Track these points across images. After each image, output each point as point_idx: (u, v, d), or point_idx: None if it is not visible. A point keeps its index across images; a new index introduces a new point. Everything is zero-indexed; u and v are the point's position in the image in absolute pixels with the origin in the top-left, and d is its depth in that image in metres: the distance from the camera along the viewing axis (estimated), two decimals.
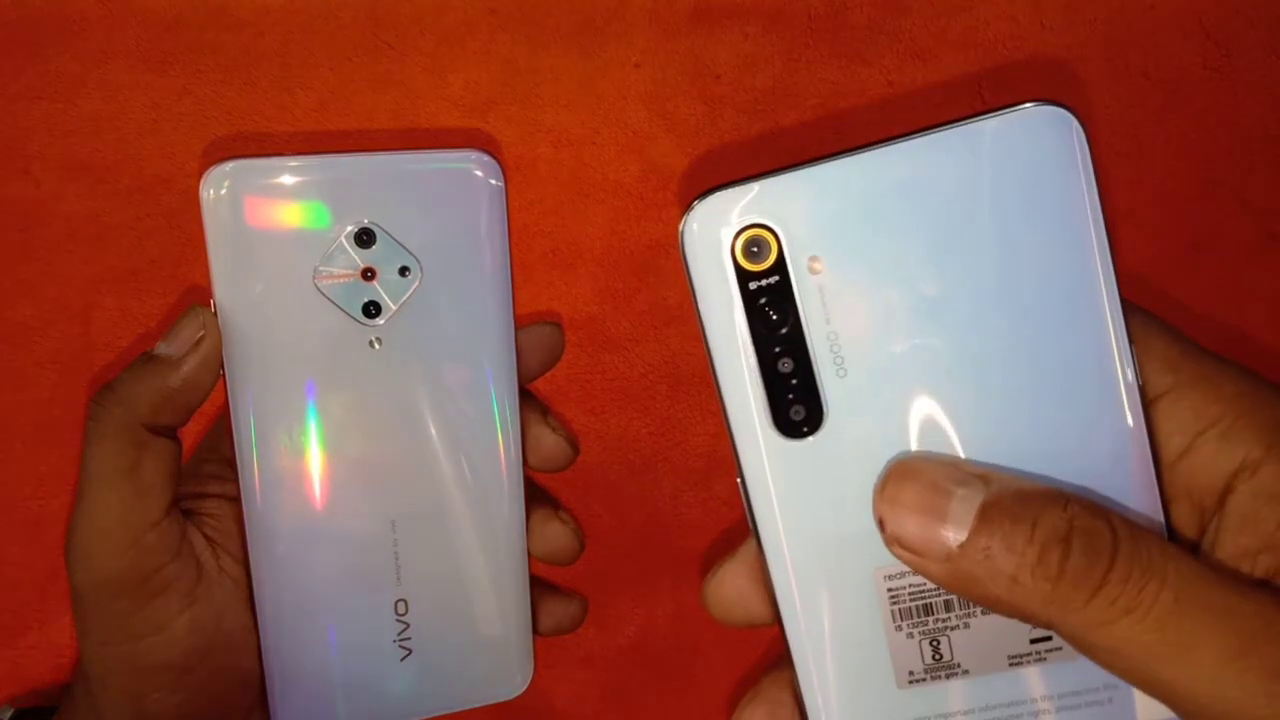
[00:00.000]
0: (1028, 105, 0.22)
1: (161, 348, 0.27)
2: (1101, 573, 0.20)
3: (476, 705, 0.30)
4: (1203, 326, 0.38)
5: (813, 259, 0.23)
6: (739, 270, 0.23)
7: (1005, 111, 0.22)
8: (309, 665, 0.28)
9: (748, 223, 0.23)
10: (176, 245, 0.37)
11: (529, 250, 0.38)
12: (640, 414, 0.38)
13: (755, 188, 0.23)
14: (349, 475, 0.28)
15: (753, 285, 0.23)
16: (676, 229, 0.38)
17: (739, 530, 0.38)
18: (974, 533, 0.21)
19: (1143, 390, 0.23)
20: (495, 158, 0.28)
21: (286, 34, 0.37)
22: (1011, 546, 0.20)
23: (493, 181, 0.28)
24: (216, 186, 0.26)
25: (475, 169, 0.28)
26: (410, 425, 0.29)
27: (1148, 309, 0.24)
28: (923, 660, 0.24)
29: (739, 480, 0.24)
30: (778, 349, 0.23)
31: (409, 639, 0.29)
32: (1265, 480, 0.21)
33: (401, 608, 0.29)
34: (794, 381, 0.23)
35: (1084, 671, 0.23)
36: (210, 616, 0.27)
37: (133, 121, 0.37)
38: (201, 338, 0.26)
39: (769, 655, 0.38)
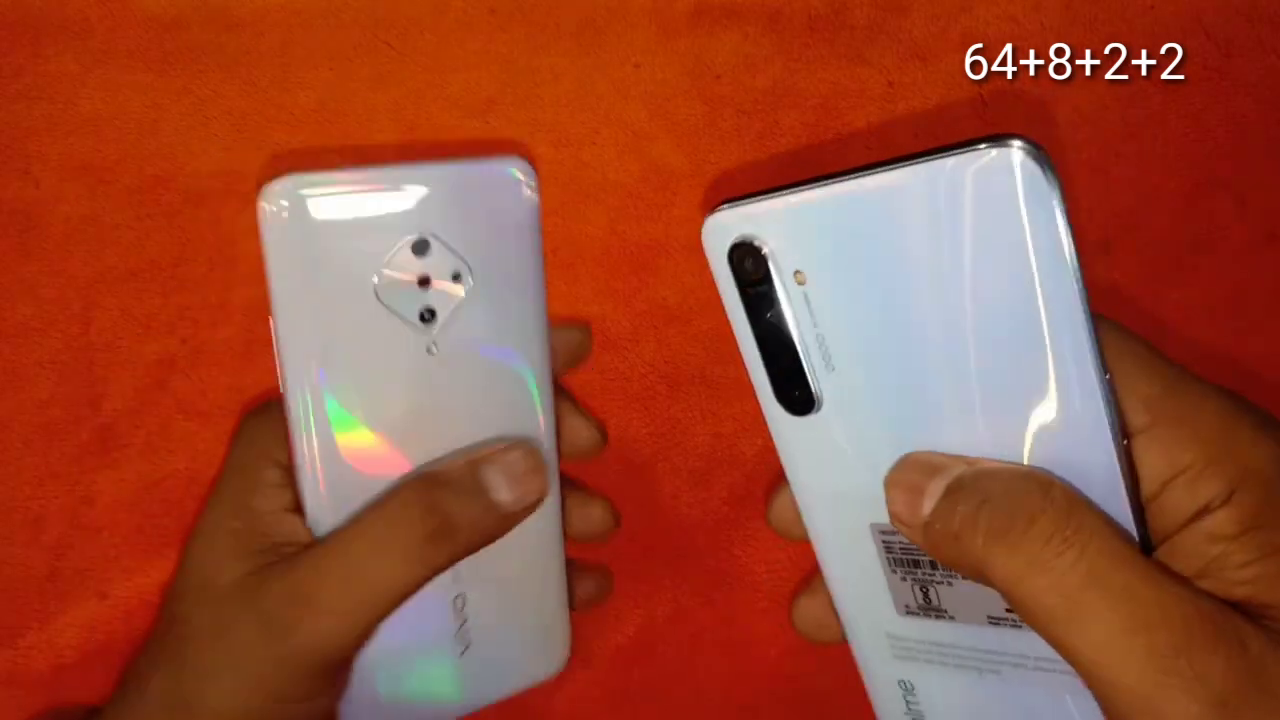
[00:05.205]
0: (981, 145, 0.22)
1: (505, 497, 0.28)
2: (1020, 529, 0.22)
3: (524, 688, 0.32)
4: (1202, 327, 0.38)
5: (797, 272, 0.25)
6: (737, 277, 0.26)
7: (961, 149, 0.22)
8: (374, 667, 0.29)
9: (741, 239, 0.26)
10: (176, 245, 0.37)
11: None
12: (640, 414, 0.38)
13: (748, 209, 0.26)
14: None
15: (750, 291, 0.26)
16: (676, 229, 0.38)
17: (740, 531, 0.39)
18: (939, 503, 0.24)
19: (1123, 426, 0.23)
20: (532, 165, 0.29)
21: (286, 34, 0.37)
22: (960, 510, 0.23)
23: (531, 187, 0.29)
24: (276, 201, 0.26)
25: (519, 175, 0.29)
26: (465, 426, 0.29)
27: (1144, 314, 0.24)
28: (916, 600, 0.28)
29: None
30: (774, 345, 0.26)
31: (468, 633, 0.30)
32: (1217, 521, 0.22)
33: (460, 603, 0.30)
34: (791, 371, 0.26)
35: None
36: None
37: (133, 121, 0.37)
38: (540, 498, 0.29)
39: (767, 656, 0.38)
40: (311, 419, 0.27)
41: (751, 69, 0.38)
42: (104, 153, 0.37)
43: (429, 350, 0.28)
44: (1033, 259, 0.22)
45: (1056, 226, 0.22)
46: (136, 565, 0.36)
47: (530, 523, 0.30)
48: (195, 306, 0.37)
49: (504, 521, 0.28)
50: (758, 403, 0.28)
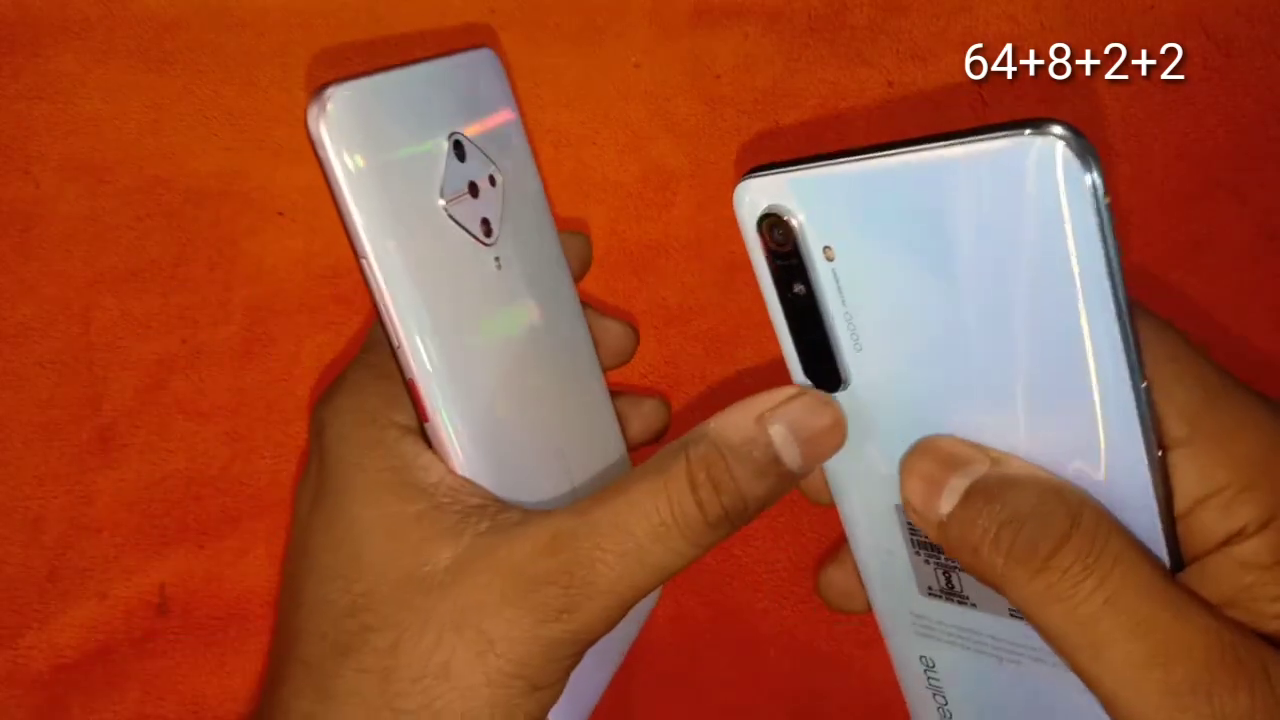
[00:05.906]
0: (1025, 130, 0.21)
1: (796, 464, 0.24)
2: (1043, 557, 0.21)
3: (642, 624, 0.32)
4: (1203, 327, 0.38)
5: (826, 248, 0.24)
6: (766, 247, 0.25)
7: (1001, 133, 0.21)
8: None
9: (771, 209, 0.25)
10: (176, 245, 0.37)
11: None
12: None
13: (780, 178, 0.24)
14: (520, 411, 0.27)
15: (779, 262, 0.25)
16: (676, 229, 0.38)
17: (740, 531, 0.38)
18: (958, 506, 0.23)
19: (1160, 437, 0.22)
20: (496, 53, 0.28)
21: (286, 34, 0.37)
22: (980, 523, 0.22)
23: (505, 75, 0.28)
24: (338, 117, 0.23)
25: (496, 64, 0.28)
26: (542, 343, 0.28)
27: (1162, 319, 0.24)
28: (938, 583, 0.27)
29: None
30: (801, 318, 0.25)
31: None
32: (1250, 549, 0.22)
33: None
34: (818, 347, 0.26)
35: None
36: None
37: (133, 121, 0.37)
38: (833, 452, 0.26)
39: (767, 656, 0.38)
40: (443, 364, 0.25)
41: (751, 69, 0.38)
42: (104, 153, 0.37)
43: (498, 265, 0.27)
44: (1073, 252, 0.21)
45: (1099, 219, 0.21)
46: (136, 565, 0.36)
47: (601, 433, 0.30)
48: (195, 306, 0.37)
49: (790, 487, 0.25)
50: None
